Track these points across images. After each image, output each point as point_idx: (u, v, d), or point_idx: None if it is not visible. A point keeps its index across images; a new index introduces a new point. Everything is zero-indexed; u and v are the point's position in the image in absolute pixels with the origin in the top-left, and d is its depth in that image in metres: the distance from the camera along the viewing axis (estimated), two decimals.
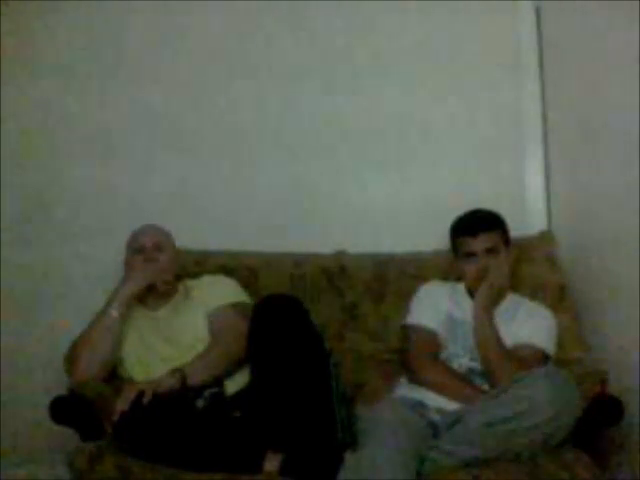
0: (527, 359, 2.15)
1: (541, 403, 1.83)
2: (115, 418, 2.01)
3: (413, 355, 2.24)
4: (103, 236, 2.71)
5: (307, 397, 1.98)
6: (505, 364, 2.10)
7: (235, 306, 2.33)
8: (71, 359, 2.22)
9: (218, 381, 2.18)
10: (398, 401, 2.15)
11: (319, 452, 1.91)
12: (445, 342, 2.25)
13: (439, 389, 2.13)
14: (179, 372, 2.10)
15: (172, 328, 2.31)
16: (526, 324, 2.24)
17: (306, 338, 2.07)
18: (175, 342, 2.29)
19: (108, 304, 2.24)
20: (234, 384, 2.21)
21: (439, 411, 2.09)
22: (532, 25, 2.77)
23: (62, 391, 2.18)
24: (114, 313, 2.22)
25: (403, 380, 2.27)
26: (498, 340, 2.17)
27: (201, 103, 2.81)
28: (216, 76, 2.81)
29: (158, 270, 2.30)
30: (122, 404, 2.01)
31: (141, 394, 2.02)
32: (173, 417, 2.01)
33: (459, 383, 2.14)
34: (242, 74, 2.80)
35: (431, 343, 2.25)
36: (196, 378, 2.12)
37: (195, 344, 2.26)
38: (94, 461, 1.96)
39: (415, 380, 2.20)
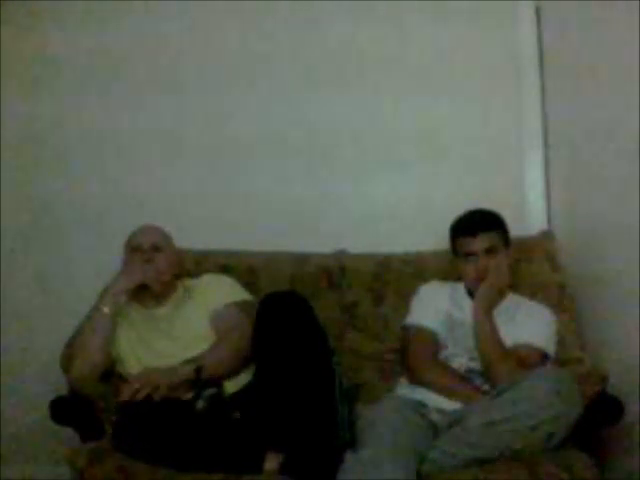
0: (527, 359, 2.15)
1: (541, 403, 1.83)
2: (123, 397, 2.01)
3: (413, 355, 2.24)
4: (104, 236, 2.71)
5: (311, 395, 1.98)
6: (505, 364, 2.10)
7: (239, 305, 2.33)
8: (66, 357, 2.23)
9: (217, 382, 2.18)
10: (398, 401, 2.15)
11: (319, 452, 1.90)
12: (445, 342, 2.25)
13: (439, 389, 2.13)
14: (194, 363, 2.10)
15: (172, 326, 2.31)
16: (526, 324, 2.24)
17: (311, 335, 2.07)
18: (175, 340, 2.28)
19: (99, 301, 2.25)
20: (233, 384, 2.20)
21: (439, 411, 2.09)
22: (532, 25, 2.77)
23: (62, 391, 2.19)
24: (105, 310, 2.22)
25: (403, 380, 2.27)
26: (498, 340, 2.16)
27: (202, 104, 2.81)
28: (217, 78, 2.81)
29: (155, 270, 2.30)
30: (133, 387, 2.01)
31: (155, 388, 2.02)
32: (173, 418, 2.01)
33: (459, 383, 2.14)
34: (243, 76, 2.81)
35: (431, 343, 2.25)
36: (210, 370, 2.13)
37: (196, 342, 2.26)
38: (94, 461, 1.96)
39: (415, 380, 2.20)
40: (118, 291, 2.25)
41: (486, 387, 2.13)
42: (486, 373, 2.14)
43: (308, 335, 2.06)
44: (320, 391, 1.99)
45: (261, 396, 2.06)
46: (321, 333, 2.12)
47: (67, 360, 2.22)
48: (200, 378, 2.11)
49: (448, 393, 2.11)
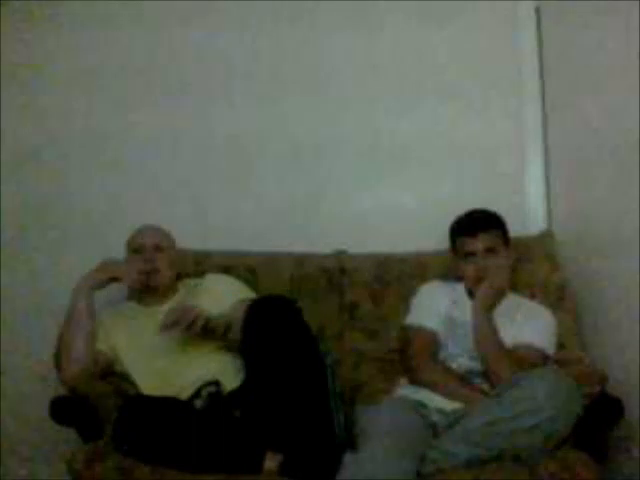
0: (527, 359, 2.15)
1: (541, 403, 1.83)
2: (161, 328, 2.09)
3: (413, 355, 2.24)
4: (104, 236, 2.71)
5: (303, 398, 1.97)
6: (505, 364, 2.10)
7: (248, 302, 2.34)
8: (56, 359, 2.23)
9: (215, 381, 2.18)
10: (398, 402, 2.15)
11: (318, 452, 1.90)
12: (445, 342, 2.25)
13: (439, 389, 2.13)
14: (224, 319, 2.15)
15: None
16: (526, 324, 2.24)
17: (300, 339, 2.06)
18: (176, 336, 2.28)
19: (73, 298, 2.25)
20: (232, 381, 2.20)
21: (439, 411, 2.09)
22: (532, 25, 2.77)
23: (62, 391, 2.19)
24: (80, 305, 2.23)
25: (403, 380, 2.27)
26: (498, 340, 2.16)
27: (201, 103, 2.81)
28: (217, 77, 2.81)
29: (154, 270, 2.31)
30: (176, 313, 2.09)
31: (196, 318, 2.08)
32: (172, 418, 2.01)
33: (458, 383, 2.14)
34: (244, 75, 2.81)
35: (431, 343, 2.24)
36: (235, 333, 2.14)
37: (199, 339, 2.26)
38: (93, 462, 1.95)
39: (415, 380, 2.20)
40: (91, 285, 2.24)
41: (485, 387, 2.13)
42: (486, 373, 2.14)
43: (296, 339, 2.05)
44: (312, 394, 1.98)
45: (254, 400, 2.06)
46: (310, 336, 2.11)
47: (56, 362, 2.23)
48: (227, 335, 2.14)
49: (448, 394, 2.11)
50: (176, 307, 2.16)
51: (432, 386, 2.14)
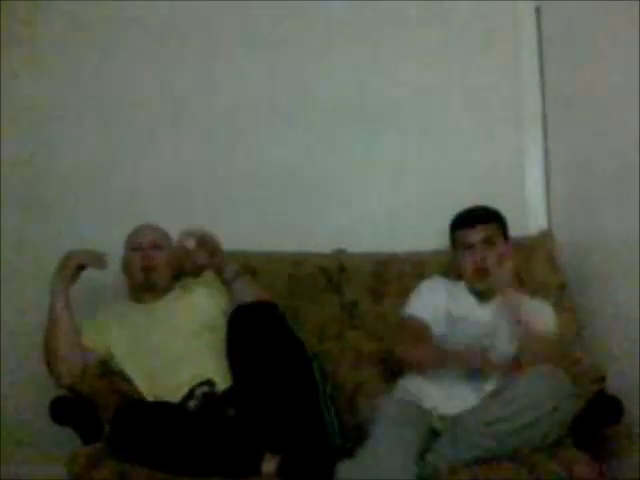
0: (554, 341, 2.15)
1: (537, 402, 1.84)
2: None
3: (399, 341, 2.23)
4: (102, 236, 2.70)
5: (291, 401, 1.97)
6: (540, 344, 2.08)
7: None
8: (46, 363, 2.22)
9: (209, 380, 2.18)
10: (398, 402, 2.13)
11: (313, 454, 1.90)
12: (445, 338, 2.23)
13: (422, 364, 2.12)
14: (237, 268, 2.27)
15: (171, 317, 2.31)
16: (532, 319, 2.23)
17: (284, 342, 2.06)
18: (174, 332, 2.28)
19: (50, 300, 2.23)
20: (226, 379, 2.18)
21: (441, 418, 2.07)
22: (532, 25, 2.77)
23: (62, 391, 2.18)
24: (57, 306, 2.21)
25: (402, 382, 2.26)
26: (542, 337, 2.14)
27: (201, 101, 2.81)
28: (216, 74, 2.81)
29: (152, 268, 2.32)
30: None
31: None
32: (167, 423, 2.00)
33: (440, 350, 2.12)
34: (244, 72, 2.81)
35: (420, 331, 2.20)
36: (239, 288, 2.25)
37: (199, 332, 2.27)
38: (91, 465, 1.95)
39: (403, 366, 2.19)
40: (61, 283, 2.22)
41: (486, 387, 2.12)
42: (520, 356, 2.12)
43: (281, 344, 2.05)
44: (301, 398, 1.98)
45: (244, 405, 2.05)
46: (294, 338, 2.11)
47: (47, 365, 2.22)
48: (231, 284, 2.26)
49: (433, 363, 2.11)
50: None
51: (417, 364, 2.13)
